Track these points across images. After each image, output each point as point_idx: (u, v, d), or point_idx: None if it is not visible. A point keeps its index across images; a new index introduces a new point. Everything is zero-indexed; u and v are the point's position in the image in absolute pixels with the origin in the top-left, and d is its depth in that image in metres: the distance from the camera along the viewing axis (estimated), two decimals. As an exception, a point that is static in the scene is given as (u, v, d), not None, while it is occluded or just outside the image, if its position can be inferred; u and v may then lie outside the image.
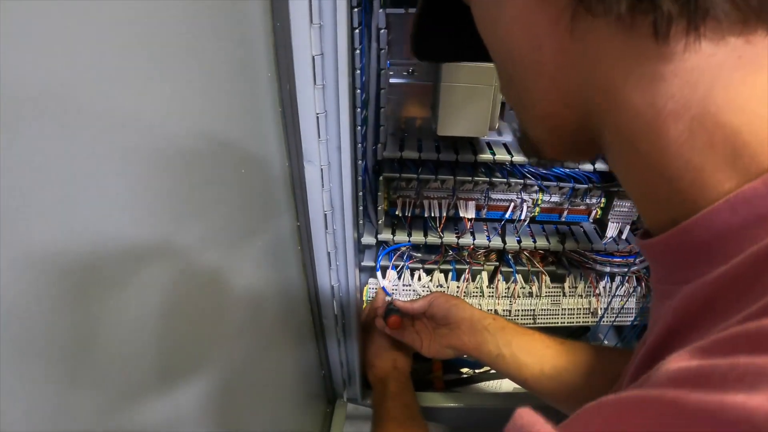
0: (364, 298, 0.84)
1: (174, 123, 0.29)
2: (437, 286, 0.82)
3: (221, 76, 0.34)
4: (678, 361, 0.19)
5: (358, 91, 0.61)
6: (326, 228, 0.53)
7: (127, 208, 0.26)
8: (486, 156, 0.68)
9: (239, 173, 0.39)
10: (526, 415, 0.20)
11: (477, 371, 0.91)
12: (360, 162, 0.66)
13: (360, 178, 0.67)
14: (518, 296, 0.82)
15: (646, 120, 0.23)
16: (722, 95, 0.21)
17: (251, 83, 0.38)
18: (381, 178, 0.71)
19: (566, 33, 0.24)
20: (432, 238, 0.76)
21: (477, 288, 0.82)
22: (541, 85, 0.28)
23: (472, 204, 0.75)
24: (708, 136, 0.22)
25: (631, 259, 0.80)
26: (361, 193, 0.70)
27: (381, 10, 0.62)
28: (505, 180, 0.70)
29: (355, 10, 0.57)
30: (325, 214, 0.51)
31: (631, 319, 0.85)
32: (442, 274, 0.82)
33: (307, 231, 0.54)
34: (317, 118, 0.41)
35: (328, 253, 0.58)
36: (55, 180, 0.21)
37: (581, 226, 0.82)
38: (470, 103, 0.61)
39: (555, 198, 0.76)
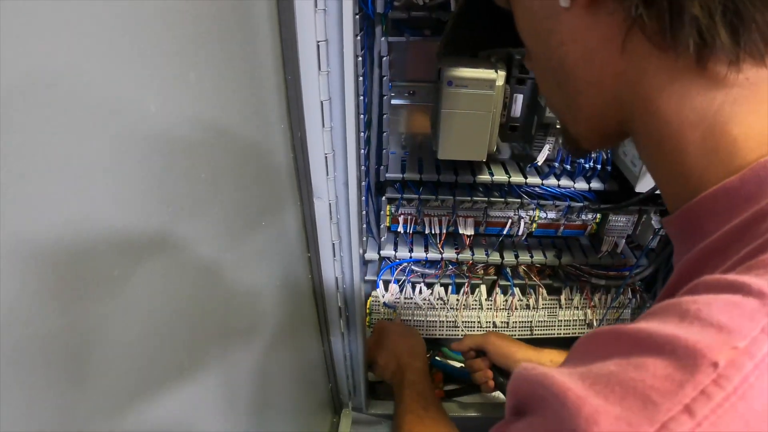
0: (367, 310, 0.86)
1: (188, 120, 0.29)
2: (437, 299, 0.85)
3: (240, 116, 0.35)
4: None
5: (362, 116, 0.63)
6: (331, 218, 0.54)
7: (127, 202, 0.26)
8: (484, 177, 0.70)
9: (245, 169, 0.39)
10: (520, 367, 0.25)
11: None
12: (363, 183, 0.68)
13: (363, 198, 0.70)
14: (516, 308, 0.85)
15: (672, 127, 0.28)
16: (729, 110, 0.26)
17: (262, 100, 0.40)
18: (384, 198, 0.73)
19: (617, 49, 0.29)
20: (433, 254, 0.79)
21: (476, 301, 0.85)
22: (590, 92, 0.32)
23: (471, 221, 0.78)
24: (715, 142, 0.27)
25: (626, 272, 0.82)
26: (364, 212, 0.72)
27: (383, 38, 0.64)
28: (503, 200, 0.73)
29: (357, 37, 0.59)
30: (330, 204, 0.53)
31: (626, 329, 0.88)
32: (443, 288, 0.85)
33: (312, 222, 0.55)
34: (326, 157, 0.44)
35: (333, 244, 0.59)
36: (56, 174, 0.21)
37: (577, 240, 0.84)
38: (469, 129, 0.63)
39: (552, 214, 0.79)
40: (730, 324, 0.19)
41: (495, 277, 0.86)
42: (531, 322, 0.86)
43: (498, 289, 0.85)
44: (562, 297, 0.85)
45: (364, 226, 0.74)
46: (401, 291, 0.85)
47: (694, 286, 0.23)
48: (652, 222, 0.77)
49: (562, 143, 0.65)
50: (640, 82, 0.29)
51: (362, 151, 0.66)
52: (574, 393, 0.21)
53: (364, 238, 0.77)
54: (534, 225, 0.80)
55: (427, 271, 0.84)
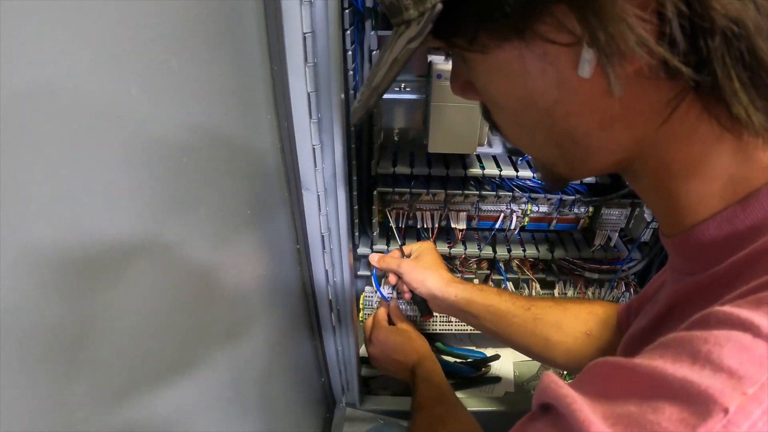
0: (361, 306, 0.86)
1: (176, 122, 0.30)
2: (431, 294, 0.84)
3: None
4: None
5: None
6: (319, 209, 0.54)
7: (122, 204, 0.26)
8: (476, 170, 0.70)
9: (232, 159, 0.40)
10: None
11: (470, 375, 0.93)
12: (354, 177, 0.68)
13: (354, 192, 0.70)
14: (509, 303, 0.85)
15: (692, 183, 0.29)
16: (757, 164, 0.27)
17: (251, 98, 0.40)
18: (375, 192, 0.73)
19: (651, 120, 0.27)
20: (425, 248, 0.78)
21: (469, 295, 0.85)
22: (601, 155, 0.31)
23: (463, 215, 0.78)
24: (734, 187, 0.28)
25: (619, 266, 0.82)
26: (356, 207, 0.72)
27: (373, 32, 0.64)
28: (494, 193, 0.73)
29: (347, 31, 0.59)
30: (318, 195, 0.53)
31: (620, 323, 0.88)
32: (436, 282, 0.85)
33: (301, 214, 0.55)
34: (313, 149, 0.44)
35: (322, 236, 0.59)
36: (51, 177, 0.21)
37: (570, 234, 0.84)
38: (459, 122, 0.63)
39: (544, 208, 0.79)
40: (740, 370, 0.20)
41: (488, 272, 0.86)
42: (524, 316, 0.86)
43: (491, 284, 0.85)
44: (556, 291, 0.85)
45: (356, 220, 0.74)
46: (394, 286, 0.84)
47: (705, 317, 0.23)
48: (645, 215, 0.77)
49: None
50: (668, 149, 0.28)
51: (353, 145, 0.66)
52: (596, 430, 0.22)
53: (356, 233, 0.77)
54: (526, 219, 0.80)
55: (420, 265, 0.84)
